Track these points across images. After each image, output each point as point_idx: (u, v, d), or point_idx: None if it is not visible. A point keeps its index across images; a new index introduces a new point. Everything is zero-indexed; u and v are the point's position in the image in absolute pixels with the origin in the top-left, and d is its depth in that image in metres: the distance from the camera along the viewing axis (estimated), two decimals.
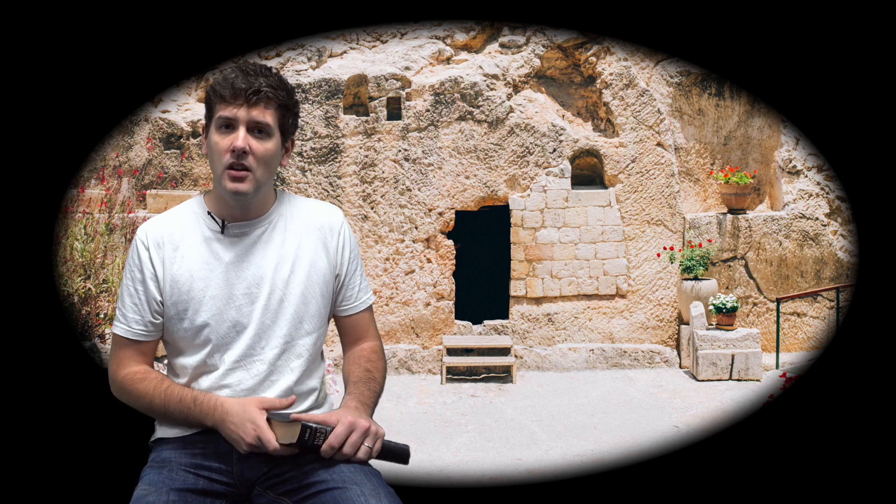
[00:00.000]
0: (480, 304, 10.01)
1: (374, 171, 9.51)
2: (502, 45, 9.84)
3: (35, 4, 3.99)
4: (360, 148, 9.51)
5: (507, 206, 9.67)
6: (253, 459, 2.15)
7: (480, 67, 9.66)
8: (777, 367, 9.15)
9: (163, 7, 5.33)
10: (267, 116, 2.11)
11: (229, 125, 2.11)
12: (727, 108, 9.99)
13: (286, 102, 2.15)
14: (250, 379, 2.17)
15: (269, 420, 2.04)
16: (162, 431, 2.23)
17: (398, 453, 2.11)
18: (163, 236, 2.20)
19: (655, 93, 9.79)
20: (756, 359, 8.94)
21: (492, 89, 9.58)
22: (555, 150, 9.58)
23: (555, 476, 6.25)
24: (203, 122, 2.26)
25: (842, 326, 8.92)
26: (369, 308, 2.38)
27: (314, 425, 2.02)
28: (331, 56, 9.83)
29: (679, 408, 8.01)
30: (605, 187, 9.72)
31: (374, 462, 2.12)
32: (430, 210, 9.56)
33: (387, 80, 9.50)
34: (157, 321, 2.21)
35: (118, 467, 2.95)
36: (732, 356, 8.90)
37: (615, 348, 9.57)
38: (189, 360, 2.20)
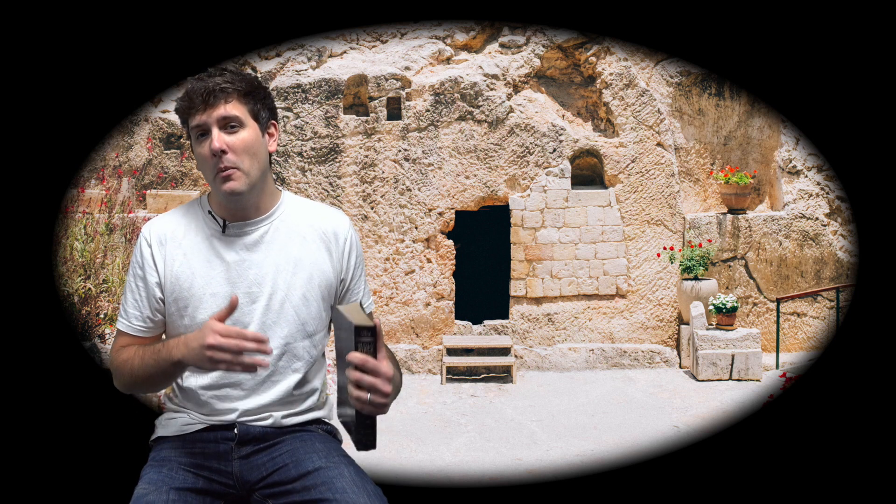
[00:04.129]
0: (480, 304, 10.01)
1: (374, 171, 9.52)
2: (502, 45, 9.84)
3: (35, 4, 3.99)
4: (360, 148, 9.51)
5: (507, 206, 9.67)
6: (253, 461, 2.15)
7: (480, 67, 9.66)
8: (777, 367, 9.15)
9: (163, 7, 5.33)
10: (231, 109, 2.12)
11: (203, 132, 2.13)
12: (727, 108, 9.99)
13: (248, 90, 2.16)
14: (251, 379, 2.17)
15: (352, 304, 2.02)
16: (162, 430, 2.23)
17: (366, 433, 1.98)
18: (166, 234, 2.21)
19: (655, 93, 9.79)
20: (756, 359, 8.94)
21: (492, 89, 9.58)
22: (555, 150, 9.58)
23: (555, 476, 6.25)
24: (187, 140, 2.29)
25: (842, 326, 8.92)
26: (371, 315, 2.38)
27: (375, 340, 1.92)
28: (331, 56, 9.83)
29: (679, 408, 8.01)
30: (605, 187, 9.72)
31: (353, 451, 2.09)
32: (430, 210, 9.56)
33: (387, 80, 9.50)
34: (157, 318, 2.22)
35: (118, 467, 2.95)
36: (732, 356, 8.90)
37: (615, 348, 9.57)
38: None
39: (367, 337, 1.93)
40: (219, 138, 2.10)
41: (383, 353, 1.96)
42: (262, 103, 2.20)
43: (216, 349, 1.91)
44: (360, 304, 2.04)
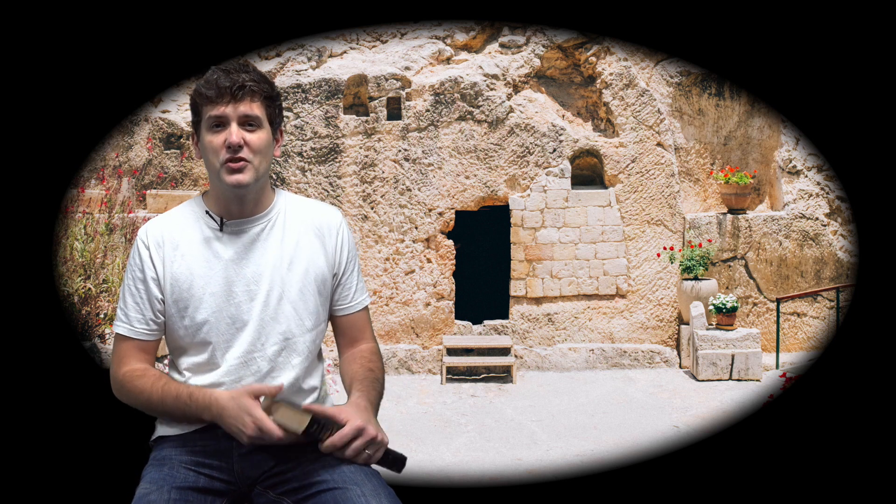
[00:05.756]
0: (480, 304, 10.01)
1: (374, 171, 9.52)
2: (502, 45, 9.84)
3: (35, 4, 3.99)
4: (360, 148, 9.51)
5: (507, 206, 9.67)
6: (254, 457, 2.15)
7: (480, 67, 9.66)
8: (777, 367, 9.15)
9: (163, 7, 5.33)
10: (254, 109, 2.16)
11: (220, 123, 2.16)
12: (727, 108, 9.99)
13: (270, 94, 2.21)
14: (251, 376, 2.19)
15: (278, 404, 2.03)
16: (162, 430, 2.24)
17: (395, 461, 2.11)
18: (163, 236, 2.22)
19: (655, 93, 9.79)
20: (756, 359, 8.94)
21: (492, 89, 9.58)
22: (555, 150, 9.58)
23: (555, 476, 6.25)
24: (191, 127, 2.29)
25: (842, 326, 8.92)
26: (366, 309, 2.41)
27: (323, 420, 2.04)
28: (331, 56, 9.83)
29: (679, 408, 8.01)
30: (605, 187, 9.72)
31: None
32: (430, 210, 9.56)
33: (387, 80, 9.50)
34: (160, 320, 2.23)
35: (118, 467, 2.95)
36: (732, 356, 8.90)
37: (615, 348, 9.57)
38: (191, 359, 2.21)
39: (315, 428, 2.02)
40: (237, 133, 2.13)
41: (334, 412, 2.06)
42: (278, 108, 2.25)
43: (255, 439, 2.03)
44: (273, 402, 2.05)
